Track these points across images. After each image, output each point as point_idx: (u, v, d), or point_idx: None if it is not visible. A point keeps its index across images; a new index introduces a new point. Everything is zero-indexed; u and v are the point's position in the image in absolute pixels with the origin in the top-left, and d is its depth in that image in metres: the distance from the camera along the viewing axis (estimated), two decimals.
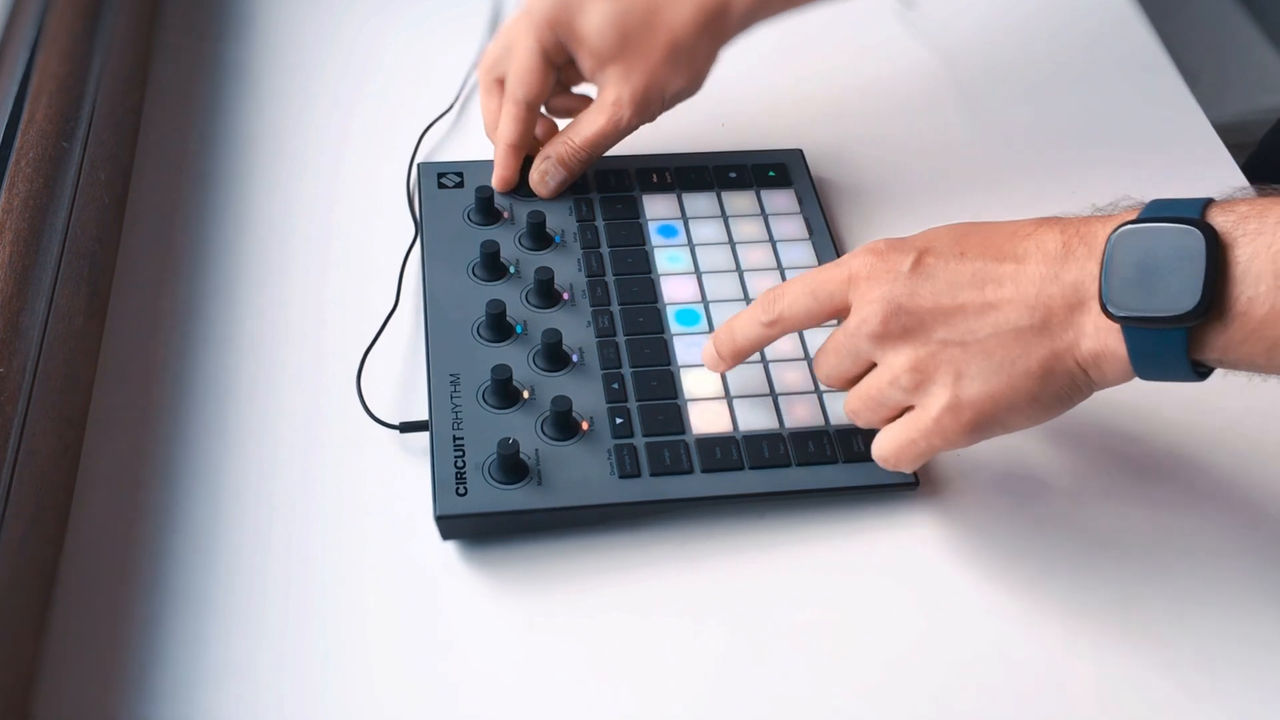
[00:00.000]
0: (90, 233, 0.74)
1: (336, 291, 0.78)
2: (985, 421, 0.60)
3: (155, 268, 0.78)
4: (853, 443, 0.68)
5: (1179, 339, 0.56)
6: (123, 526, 0.65)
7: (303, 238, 0.81)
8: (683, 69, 0.77)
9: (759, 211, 0.81)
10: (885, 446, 0.63)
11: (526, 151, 0.80)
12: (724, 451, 0.67)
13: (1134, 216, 0.58)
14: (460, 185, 0.81)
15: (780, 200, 0.82)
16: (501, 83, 0.80)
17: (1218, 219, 0.56)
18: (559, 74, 0.79)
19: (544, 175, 0.79)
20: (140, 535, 0.65)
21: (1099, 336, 0.58)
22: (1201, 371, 0.58)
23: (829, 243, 0.79)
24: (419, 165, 0.83)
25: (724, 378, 0.71)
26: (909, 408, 0.62)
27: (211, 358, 0.73)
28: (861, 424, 0.65)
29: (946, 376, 0.60)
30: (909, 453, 0.62)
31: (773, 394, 0.70)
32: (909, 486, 0.67)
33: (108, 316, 0.75)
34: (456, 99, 0.90)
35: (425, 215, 0.80)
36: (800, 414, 0.69)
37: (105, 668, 0.60)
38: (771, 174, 0.83)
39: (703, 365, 0.70)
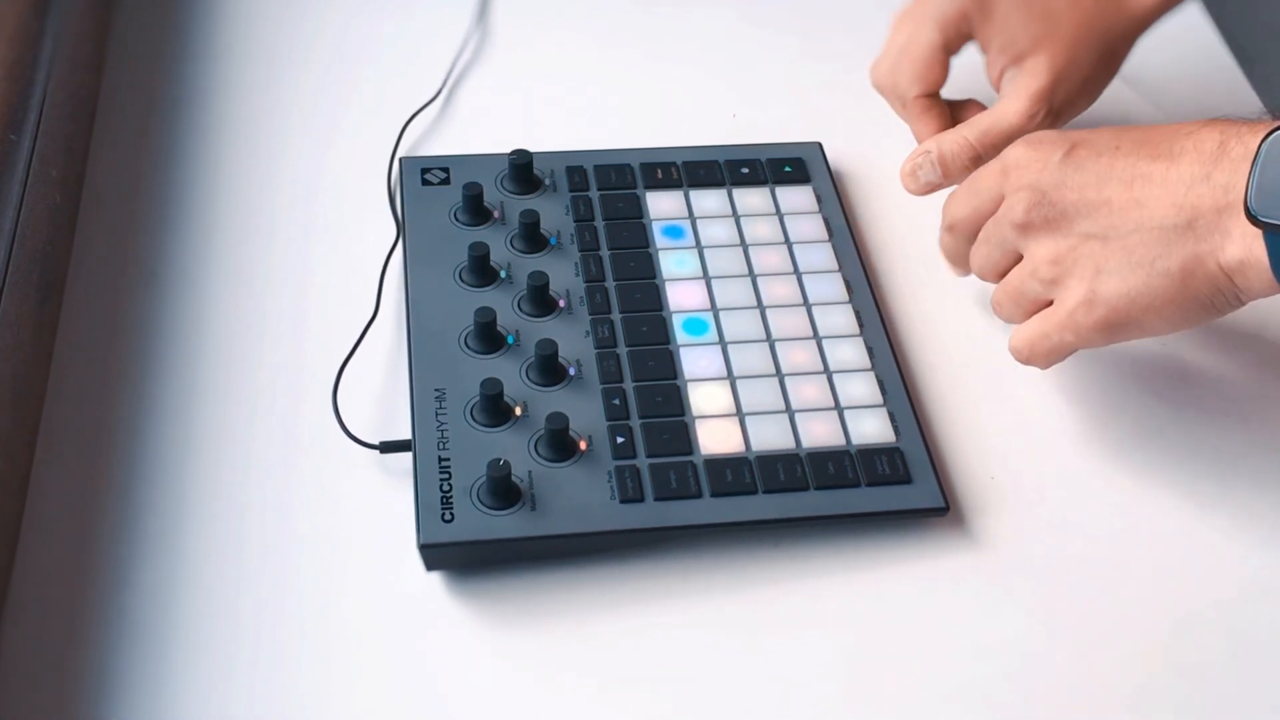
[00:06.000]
0: (41, 234, 0.74)
1: (311, 298, 0.78)
2: (1119, 320, 0.64)
3: (113, 272, 0.78)
4: (876, 464, 0.68)
5: None
6: (77, 555, 0.65)
7: (274, 239, 0.81)
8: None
9: (774, 210, 0.81)
10: (1018, 339, 0.68)
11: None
12: (735, 474, 0.67)
13: None
14: (446, 182, 0.81)
15: (797, 198, 0.82)
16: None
17: None
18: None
19: (915, 169, 0.78)
20: (96, 563, 0.65)
21: (1245, 242, 0.60)
22: None
23: (850, 244, 0.79)
24: (401, 160, 0.83)
25: (735, 393, 0.70)
26: (1048, 304, 0.66)
27: (174, 370, 0.73)
28: (1003, 317, 0.69)
29: (1084, 270, 0.64)
30: (1041, 346, 0.66)
31: (789, 410, 0.70)
32: (938, 512, 0.67)
33: (60, 325, 0.75)
34: (442, 87, 0.90)
35: (408, 214, 0.80)
36: (819, 432, 0.69)
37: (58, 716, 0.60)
38: (788, 169, 0.83)
39: (712, 380, 0.71)
